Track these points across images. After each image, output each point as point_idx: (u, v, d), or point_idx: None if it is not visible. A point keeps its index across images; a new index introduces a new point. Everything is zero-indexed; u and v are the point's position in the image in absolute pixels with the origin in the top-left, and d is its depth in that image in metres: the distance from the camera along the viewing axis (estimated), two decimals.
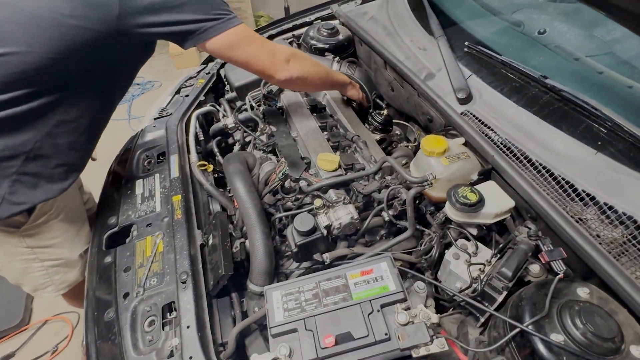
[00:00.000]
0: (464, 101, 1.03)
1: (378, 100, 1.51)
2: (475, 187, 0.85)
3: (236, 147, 1.46)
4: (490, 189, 0.87)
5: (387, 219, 1.00)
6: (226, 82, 1.56)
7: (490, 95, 1.02)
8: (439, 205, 0.99)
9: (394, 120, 1.39)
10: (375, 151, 1.14)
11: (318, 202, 0.97)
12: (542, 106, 0.92)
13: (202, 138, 1.40)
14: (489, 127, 0.95)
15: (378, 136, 1.33)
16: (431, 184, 0.89)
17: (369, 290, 0.75)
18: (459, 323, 0.90)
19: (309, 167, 1.08)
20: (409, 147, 1.43)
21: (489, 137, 0.93)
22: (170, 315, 0.85)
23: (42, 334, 1.77)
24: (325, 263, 0.95)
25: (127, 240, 1.03)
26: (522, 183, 0.82)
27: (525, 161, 0.86)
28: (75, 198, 1.17)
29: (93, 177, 1.30)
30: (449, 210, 0.87)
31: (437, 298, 0.95)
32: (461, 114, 1.00)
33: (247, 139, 1.38)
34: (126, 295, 0.88)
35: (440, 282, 0.92)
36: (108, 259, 0.98)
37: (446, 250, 0.90)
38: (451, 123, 1.01)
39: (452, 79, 1.08)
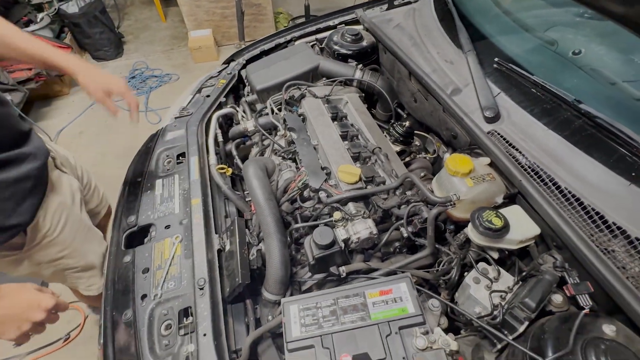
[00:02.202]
0: (491, 120, 1.01)
1: (399, 110, 1.49)
2: (500, 211, 0.83)
3: (254, 150, 1.47)
4: (515, 214, 0.85)
5: (405, 235, 0.99)
6: (247, 84, 1.56)
7: (519, 115, 0.99)
8: (459, 224, 0.98)
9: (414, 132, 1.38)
10: (396, 165, 1.13)
11: (337, 215, 0.97)
12: (574, 131, 0.89)
13: (220, 139, 1.40)
14: (516, 149, 0.93)
15: (398, 148, 1.32)
16: (454, 204, 0.88)
17: (387, 311, 0.75)
18: (473, 346, 0.89)
19: (328, 178, 1.08)
20: (428, 158, 1.42)
21: (516, 160, 0.91)
22: (186, 320, 0.86)
23: None
24: (342, 276, 0.95)
25: (146, 240, 1.05)
26: (550, 210, 0.80)
27: (553, 187, 0.84)
28: (73, 210, 1.17)
29: (111, 170, 1.32)
30: (471, 233, 0.86)
31: (450, 318, 0.94)
32: (488, 133, 0.98)
33: (266, 142, 1.38)
34: (144, 297, 0.90)
35: (456, 303, 0.91)
36: (127, 258, 0.99)
37: (466, 273, 0.89)
38: (476, 142, 0.99)
39: (479, 96, 1.06)
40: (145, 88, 3.22)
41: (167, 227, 1.04)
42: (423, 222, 0.95)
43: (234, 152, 1.35)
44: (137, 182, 1.19)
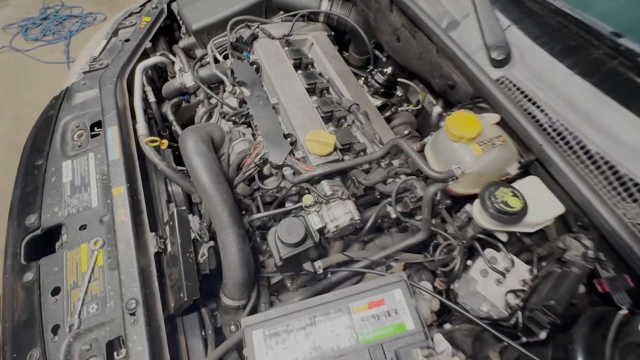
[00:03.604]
0: (499, 63, 0.78)
1: (377, 53, 1.21)
2: (515, 186, 0.65)
3: (199, 111, 1.16)
4: (532, 188, 0.68)
5: (394, 216, 0.81)
6: (181, 22, 1.19)
7: (535, 55, 0.77)
8: (456, 197, 0.80)
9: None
10: (379, 125, 0.90)
11: (308, 200, 0.75)
12: (607, 76, 0.69)
13: (152, 99, 1.08)
14: (533, 102, 0.72)
15: (379, 101, 1.08)
16: (457, 178, 0.68)
17: (379, 329, 0.58)
18: (472, 336, 0.76)
19: (294, 148, 0.83)
20: (410, 110, 1.20)
21: (534, 117, 0.71)
22: (117, 354, 0.65)
23: None
24: (317, 273, 0.77)
25: (57, 247, 0.78)
26: (577, 182, 0.63)
27: (580, 152, 0.66)
28: None
29: None
30: (478, 215, 0.68)
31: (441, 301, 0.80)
32: (496, 81, 0.76)
33: (214, 101, 1.08)
34: (56, 328, 0.67)
35: (455, 293, 0.77)
36: (29, 276, 0.73)
37: (469, 261, 0.73)
38: (482, 93, 0.77)
39: (484, 31, 0.81)
40: (64, 32, 2.61)
41: (83, 227, 0.78)
42: (416, 201, 0.76)
43: (171, 117, 1.04)
44: (36, 167, 0.88)
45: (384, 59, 1.22)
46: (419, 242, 0.77)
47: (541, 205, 0.65)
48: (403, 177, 0.82)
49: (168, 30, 1.29)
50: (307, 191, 0.78)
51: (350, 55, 1.31)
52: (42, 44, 2.55)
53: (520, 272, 0.67)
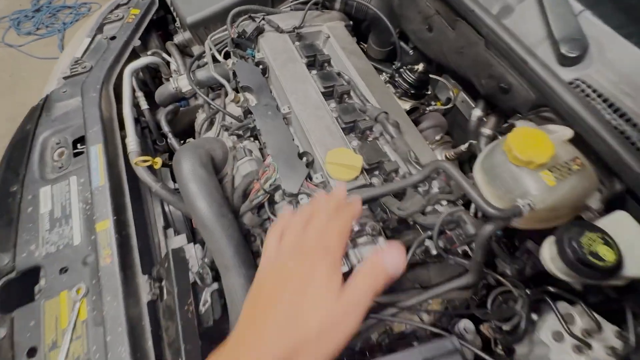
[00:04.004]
0: (571, 60, 0.61)
1: (403, 45, 1.04)
2: (606, 231, 0.50)
3: (199, 117, 1.02)
4: (622, 228, 0.52)
5: (434, 252, 0.66)
6: (175, 15, 1.03)
7: (619, 50, 0.60)
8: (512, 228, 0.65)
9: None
10: (412, 138, 0.74)
11: None
12: None
13: (145, 106, 0.94)
14: (620, 113, 0.56)
15: (407, 104, 0.92)
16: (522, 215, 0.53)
17: None
18: None
19: (311, 170, 0.69)
20: (438, 109, 1.04)
21: (622, 132, 0.55)
22: None
23: None
24: None
25: (36, 291, 0.67)
26: None
27: None
28: None
29: None
30: (550, 263, 0.54)
31: None
32: (570, 84, 0.60)
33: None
34: None
35: (513, 353, 0.63)
36: (0, 333, 0.62)
37: (534, 315, 0.59)
38: (549, 100, 0.61)
39: (550, 18, 0.64)
40: (58, 25, 2.46)
41: (63, 270, 0.66)
42: (466, 239, 0.61)
43: (165, 128, 0.90)
44: (10, 194, 0.76)
45: (410, 52, 1.05)
46: (467, 286, 0.63)
47: (636, 251, 0.50)
48: (445, 204, 0.67)
49: (162, 22, 1.13)
50: None
51: (369, 47, 1.13)
52: (36, 39, 2.41)
53: (607, 337, 0.52)
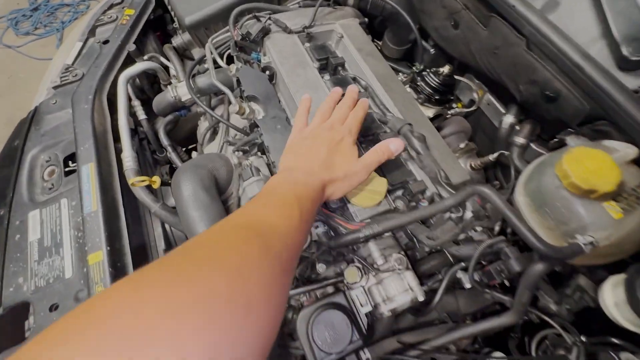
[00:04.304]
0: (636, 65, 0.52)
1: (425, 44, 0.94)
2: None
3: (202, 125, 0.94)
4: None
5: (468, 286, 0.58)
6: (173, 14, 0.94)
7: None
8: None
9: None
10: (441, 153, 0.65)
11: (352, 276, 0.53)
12: None
13: (142, 117, 0.86)
14: None
15: (431, 111, 0.83)
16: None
17: None
18: None
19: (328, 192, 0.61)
20: (460, 112, 0.95)
21: None
22: None
23: None
24: None
25: (26, 327, 0.60)
26: None
27: None
28: None
29: None
30: (614, 310, 0.45)
31: None
32: (635, 93, 0.50)
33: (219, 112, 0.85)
34: None
35: None
36: None
37: None
38: (607, 112, 0.52)
39: (608, 13, 0.54)
40: (56, 24, 2.39)
41: (54, 307, 0.59)
42: (507, 275, 0.53)
43: (165, 141, 0.83)
44: None
45: (431, 50, 0.95)
46: (507, 327, 0.55)
47: None
48: (479, 230, 0.59)
49: (160, 22, 1.05)
50: (348, 262, 0.56)
51: (385, 45, 1.04)
52: (34, 39, 2.35)
53: None
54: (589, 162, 0.46)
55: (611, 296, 0.46)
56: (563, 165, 0.47)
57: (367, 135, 0.66)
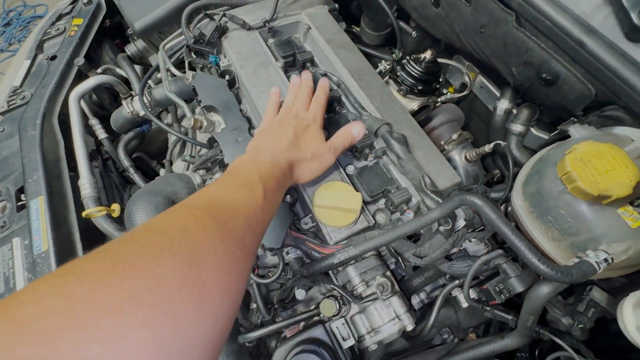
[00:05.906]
0: None
1: (404, 25, 0.85)
2: None
3: (171, 138, 0.87)
4: None
5: (465, 305, 0.51)
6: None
7: None
8: None
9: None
10: (426, 154, 0.57)
11: (329, 309, 0.46)
12: None
13: (103, 135, 0.79)
14: None
15: (415, 104, 0.74)
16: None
17: None
18: None
19: (298, 211, 0.53)
20: (451, 97, 0.86)
21: None
22: None
23: None
24: None
25: None
26: None
27: None
28: None
29: None
30: (635, 334, 0.38)
31: None
32: None
33: (186, 123, 0.77)
34: None
35: None
36: None
37: None
38: (618, 95, 0.43)
39: None
40: (5, 34, 2.31)
41: None
42: (507, 294, 0.46)
43: (126, 162, 0.75)
44: None
45: (413, 33, 0.86)
46: (510, 349, 0.48)
47: None
48: (475, 242, 0.52)
49: (117, 29, 0.96)
50: (325, 294, 0.49)
51: (363, 31, 0.95)
52: (10, 55, 2.27)
53: None
54: (597, 162, 0.37)
55: (632, 318, 0.38)
56: (566, 166, 0.39)
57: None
